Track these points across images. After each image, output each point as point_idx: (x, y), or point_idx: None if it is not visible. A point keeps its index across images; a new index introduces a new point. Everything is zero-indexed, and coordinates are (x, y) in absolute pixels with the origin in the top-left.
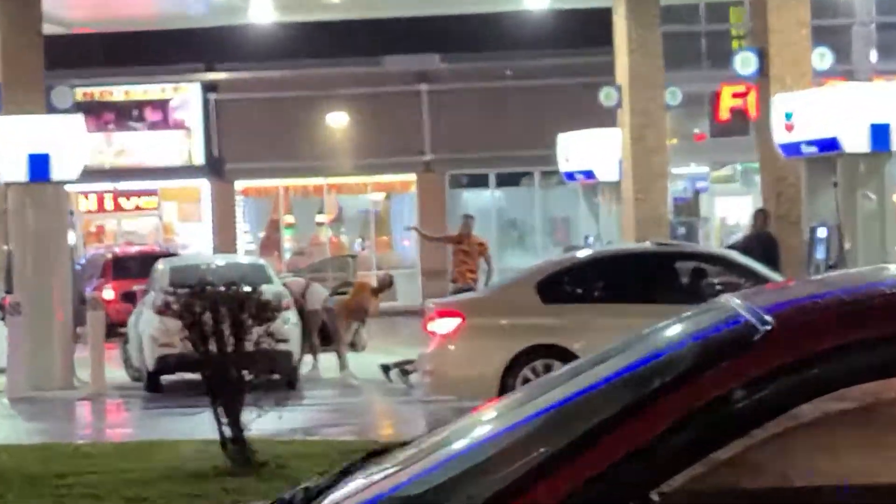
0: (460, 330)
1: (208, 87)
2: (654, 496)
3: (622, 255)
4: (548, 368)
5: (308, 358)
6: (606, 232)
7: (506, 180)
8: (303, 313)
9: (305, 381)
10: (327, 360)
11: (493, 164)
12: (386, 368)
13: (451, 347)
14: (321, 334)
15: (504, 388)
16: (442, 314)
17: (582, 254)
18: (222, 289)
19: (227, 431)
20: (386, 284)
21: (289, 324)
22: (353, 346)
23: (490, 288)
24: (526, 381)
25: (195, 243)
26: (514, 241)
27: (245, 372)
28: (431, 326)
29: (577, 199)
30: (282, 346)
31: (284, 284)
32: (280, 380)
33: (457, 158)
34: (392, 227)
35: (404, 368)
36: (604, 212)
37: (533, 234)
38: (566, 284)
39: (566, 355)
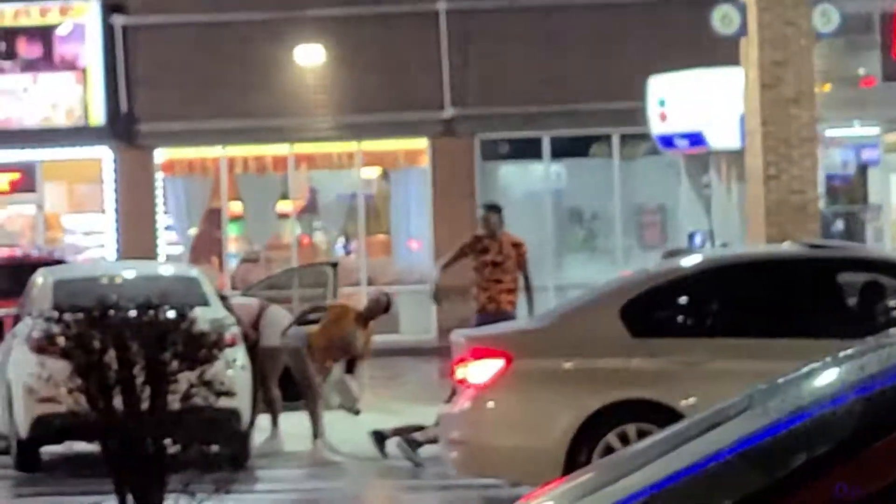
0: (506, 377)
1: (113, 8)
2: None
3: (752, 265)
4: (640, 436)
5: (264, 420)
6: (723, 228)
7: (567, 149)
8: (256, 352)
9: (260, 455)
10: (293, 422)
11: (546, 124)
12: (380, 438)
13: (492, 404)
14: (284, 383)
15: (572, 465)
16: (479, 353)
17: (690, 262)
18: (133, 314)
19: None
20: (380, 309)
21: (235, 368)
22: (343, 405)
23: (549, 315)
24: (607, 453)
25: (92, 245)
26: (578, 243)
27: (168, 441)
28: (463, 372)
29: (677, 177)
30: (224, 402)
31: (228, 308)
32: (222, 453)
33: (492, 115)
34: (392, 220)
35: (410, 438)
36: (718, 197)
37: (609, 231)
38: (667, 309)
39: (667, 415)
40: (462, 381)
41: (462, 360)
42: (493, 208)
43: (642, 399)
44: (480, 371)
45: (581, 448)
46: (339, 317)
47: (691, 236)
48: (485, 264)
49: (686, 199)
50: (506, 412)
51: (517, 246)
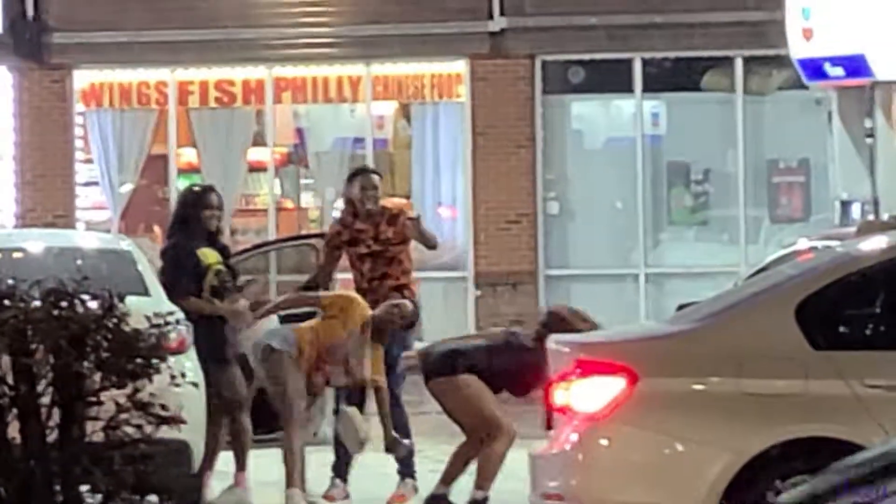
0: (629, 404)
1: None
2: None
3: None
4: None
5: (225, 459)
6: (892, 194)
7: (668, 78)
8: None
9: None
10: (266, 464)
11: (638, 42)
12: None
13: (607, 442)
14: (256, 410)
15: None
16: (589, 369)
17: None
18: (37, 304)
19: None
20: (399, 316)
21: (183, 384)
22: (353, 443)
23: (689, 317)
24: None
25: None
26: (683, 213)
27: (85, 488)
28: (564, 395)
29: (826, 121)
30: (168, 433)
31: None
32: None
33: (559, 28)
34: (414, 177)
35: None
36: (886, 150)
37: (728, 197)
38: (863, 310)
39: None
40: (564, 409)
41: (564, 378)
42: (375, 172)
43: (824, 437)
44: (591, 394)
45: (736, 501)
46: (342, 312)
47: (846, 206)
48: (361, 258)
49: (840, 152)
50: (627, 454)
51: (394, 219)
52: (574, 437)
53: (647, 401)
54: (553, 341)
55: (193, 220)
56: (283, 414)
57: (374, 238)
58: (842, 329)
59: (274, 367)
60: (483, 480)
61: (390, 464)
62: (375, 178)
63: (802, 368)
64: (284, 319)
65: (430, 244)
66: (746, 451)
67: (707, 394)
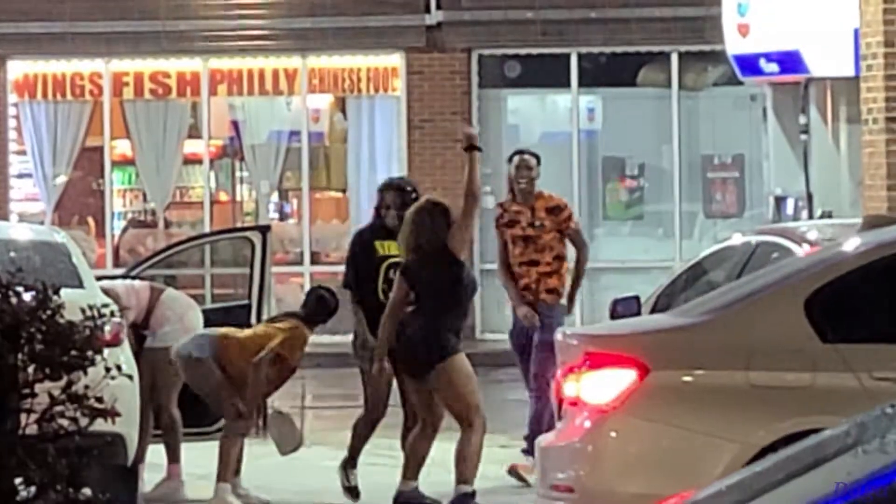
0: (639, 396)
1: None
2: None
3: None
4: None
5: (156, 453)
6: (825, 190)
7: (604, 73)
8: (143, 356)
9: (153, 502)
10: (198, 457)
11: (575, 37)
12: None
13: (617, 434)
14: (186, 404)
15: None
16: (599, 361)
17: None
18: None
19: None
20: (322, 312)
21: (119, 377)
22: (287, 444)
23: (698, 309)
24: None
25: None
26: (618, 209)
27: (19, 481)
28: (574, 387)
29: (761, 117)
30: (102, 426)
31: (107, 292)
32: (97, 499)
33: (496, 21)
34: (349, 170)
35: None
36: (820, 146)
37: (664, 192)
38: (871, 304)
39: None
40: (573, 401)
41: (573, 370)
42: (535, 155)
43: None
44: (601, 386)
45: None
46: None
47: (780, 201)
48: (514, 240)
49: (774, 148)
50: (637, 446)
51: (553, 211)
52: (584, 428)
53: (656, 393)
54: (562, 333)
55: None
56: (212, 405)
57: (529, 222)
58: (850, 322)
59: (195, 376)
60: (468, 474)
61: (331, 457)
62: (530, 158)
63: (811, 361)
64: (210, 323)
65: (584, 252)
66: (755, 443)
67: (716, 386)
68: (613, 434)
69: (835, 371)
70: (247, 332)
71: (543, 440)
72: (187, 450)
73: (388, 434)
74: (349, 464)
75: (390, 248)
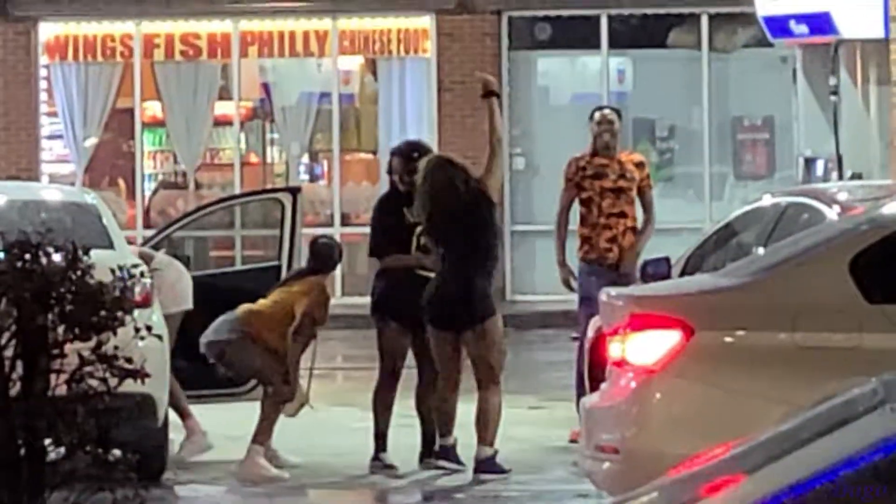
0: (684, 358)
1: None
2: None
3: None
4: None
5: (192, 416)
6: (855, 152)
7: (634, 35)
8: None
9: (182, 463)
10: (224, 418)
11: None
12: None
13: (662, 396)
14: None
15: None
16: (643, 322)
17: None
18: (0, 256)
19: None
20: (327, 262)
21: (148, 337)
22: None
23: (743, 270)
24: None
25: None
26: (651, 170)
27: (48, 442)
28: (619, 348)
29: (790, 79)
30: (132, 387)
31: (141, 255)
32: (126, 459)
33: None
34: (380, 132)
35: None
36: (850, 108)
37: (693, 154)
38: None
39: None
40: (618, 363)
41: (618, 331)
42: (617, 111)
43: None
44: (646, 348)
45: None
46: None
47: (809, 163)
48: (602, 193)
49: (804, 110)
50: (682, 407)
51: (639, 166)
52: (629, 389)
53: (701, 354)
54: (606, 294)
55: None
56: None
57: (620, 174)
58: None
59: (236, 362)
60: (490, 435)
61: (360, 418)
62: (610, 113)
63: (856, 322)
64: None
65: (653, 212)
66: (801, 403)
67: (761, 347)
68: (658, 395)
69: (880, 331)
70: (266, 302)
71: (588, 401)
72: (222, 411)
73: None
74: (379, 446)
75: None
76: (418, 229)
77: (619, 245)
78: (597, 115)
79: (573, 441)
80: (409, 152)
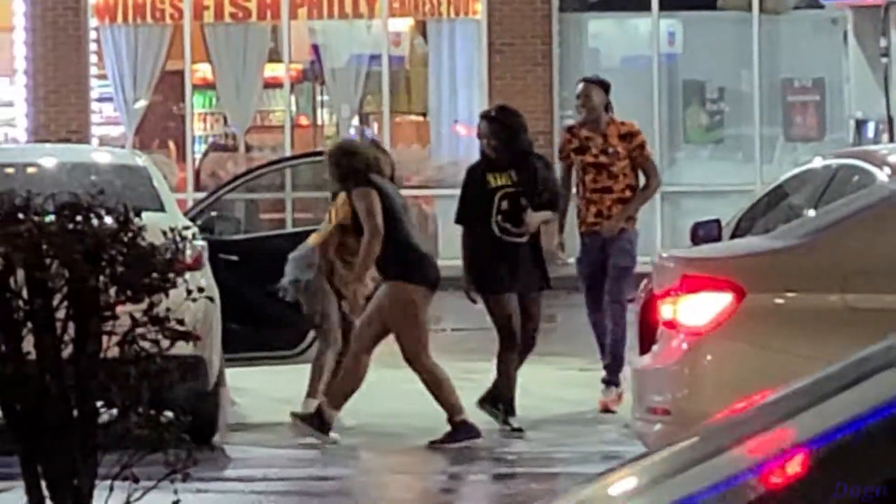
0: (735, 320)
1: None
2: None
3: None
4: None
5: (238, 378)
6: None
7: None
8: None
9: (232, 428)
10: (273, 381)
11: None
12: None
13: (713, 357)
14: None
15: None
16: (695, 284)
17: None
18: (52, 219)
19: None
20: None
21: (200, 299)
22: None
23: (794, 231)
24: None
25: None
26: (698, 132)
27: (100, 404)
28: (670, 310)
29: (841, 40)
30: (184, 349)
31: (192, 218)
32: (178, 422)
33: None
34: (430, 94)
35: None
36: None
37: (744, 115)
38: None
39: None
40: (669, 324)
41: (670, 293)
42: (598, 83)
43: None
44: (697, 309)
45: None
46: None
47: (860, 125)
48: (585, 167)
49: (854, 71)
50: (733, 369)
51: (625, 138)
52: (680, 351)
53: (753, 316)
54: (658, 256)
55: None
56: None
57: (601, 149)
58: None
59: (311, 299)
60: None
61: (410, 379)
62: (586, 86)
63: None
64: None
65: (654, 181)
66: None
67: (813, 309)
68: (710, 357)
69: None
70: (321, 230)
71: (639, 363)
72: (271, 374)
73: (470, 357)
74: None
75: (502, 179)
76: (498, 195)
77: (605, 219)
78: (578, 86)
79: (606, 411)
80: (494, 115)
